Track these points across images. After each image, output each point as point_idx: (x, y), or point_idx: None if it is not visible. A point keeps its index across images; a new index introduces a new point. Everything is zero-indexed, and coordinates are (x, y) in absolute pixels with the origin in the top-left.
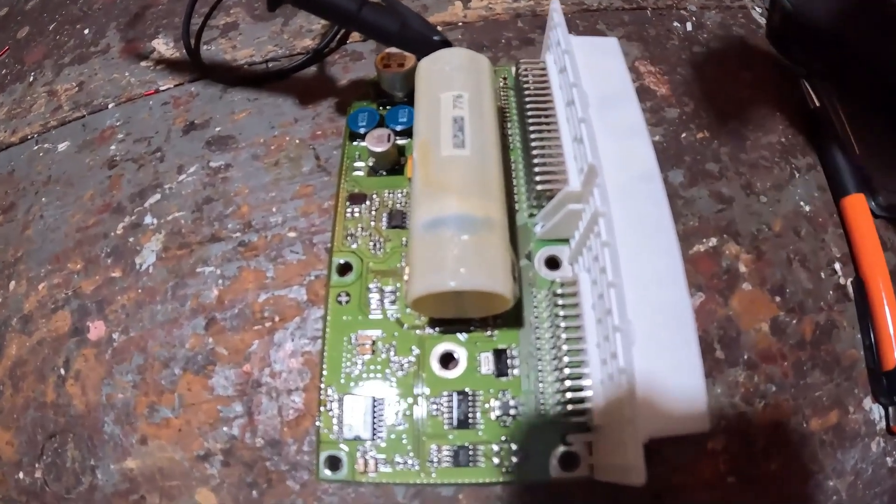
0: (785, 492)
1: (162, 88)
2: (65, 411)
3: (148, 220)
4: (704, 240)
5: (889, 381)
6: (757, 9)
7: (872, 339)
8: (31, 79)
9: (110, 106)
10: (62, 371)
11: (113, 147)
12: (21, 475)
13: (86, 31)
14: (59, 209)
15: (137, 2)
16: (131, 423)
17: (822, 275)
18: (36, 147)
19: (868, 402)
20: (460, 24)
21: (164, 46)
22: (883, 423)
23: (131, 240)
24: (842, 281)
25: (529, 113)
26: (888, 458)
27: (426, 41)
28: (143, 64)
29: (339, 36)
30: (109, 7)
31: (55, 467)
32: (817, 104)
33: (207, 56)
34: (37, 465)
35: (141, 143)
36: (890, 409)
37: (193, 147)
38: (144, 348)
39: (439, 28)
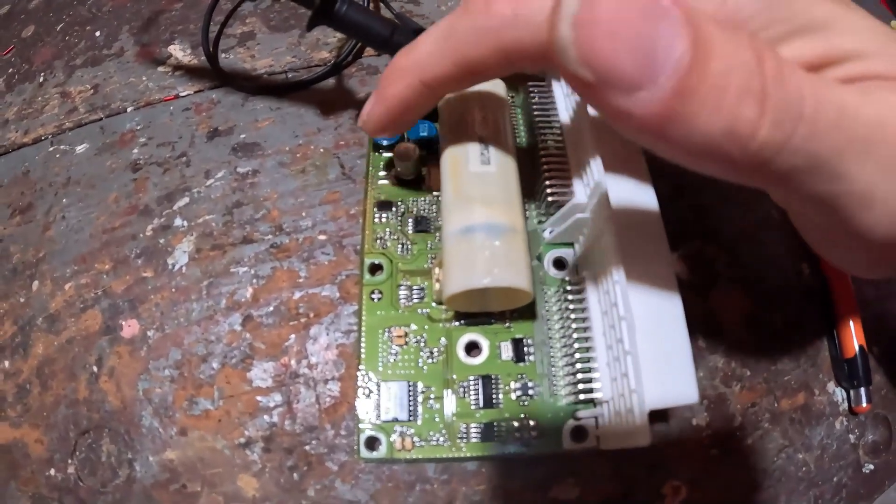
0: (761, 463)
1: (182, 94)
2: (99, 407)
3: (178, 222)
4: (686, 243)
5: (850, 368)
6: None
7: (835, 331)
8: (42, 79)
9: (129, 110)
10: (95, 368)
11: (135, 151)
12: (53, 472)
13: (97, 34)
14: (82, 211)
15: (149, 6)
16: (170, 416)
17: (791, 274)
18: (52, 148)
19: (832, 386)
20: None
21: (180, 52)
22: (845, 405)
23: (161, 241)
24: (808, 280)
25: (539, 132)
26: (850, 436)
27: None
28: (161, 69)
29: (354, 50)
30: (120, 10)
31: (89, 462)
32: None
33: (226, 64)
34: (69, 462)
35: (164, 148)
36: (851, 392)
37: (219, 153)
38: (181, 344)
39: None
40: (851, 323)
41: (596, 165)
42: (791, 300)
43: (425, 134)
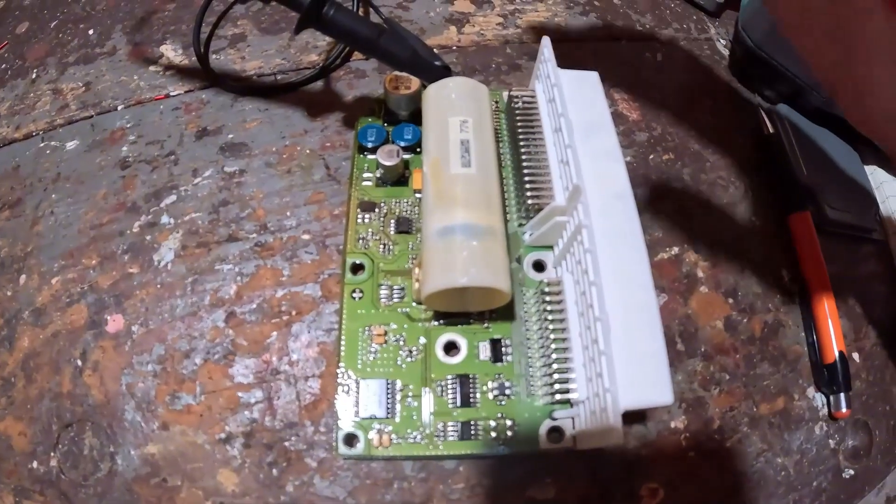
0: (739, 466)
1: (172, 94)
2: (82, 401)
3: (165, 219)
4: (668, 248)
5: (829, 373)
6: (722, 41)
7: (815, 337)
8: (34, 76)
9: (119, 108)
10: (79, 362)
11: (125, 148)
12: (35, 464)
13: (90, 32)
14: (71, 206)
15: (143, 6)
16: (152, 411)
17: (771, 281)
18: (42, 144)
19: (811, 392)
20: (454, 48)
21: (172, 52)
22: (825, 410)
23: (148, 238)
24: (788, 286)
25: (521, 136)
26: (830, 441)
27: (431, 67)
28: (152, 68)
29: (343, 54)
30: (113, 9)
31: (72, 455)
32: (770, 130)
33: (216, 65)
34: (52, 455)
35: (153, 146)
36: (831, 397)
37: (207, 152)
38: (164, 340)
39: (435, 51)
40: (831, 328)
41: (575, 169)
42: (771, 306)
43: (409, 137)
